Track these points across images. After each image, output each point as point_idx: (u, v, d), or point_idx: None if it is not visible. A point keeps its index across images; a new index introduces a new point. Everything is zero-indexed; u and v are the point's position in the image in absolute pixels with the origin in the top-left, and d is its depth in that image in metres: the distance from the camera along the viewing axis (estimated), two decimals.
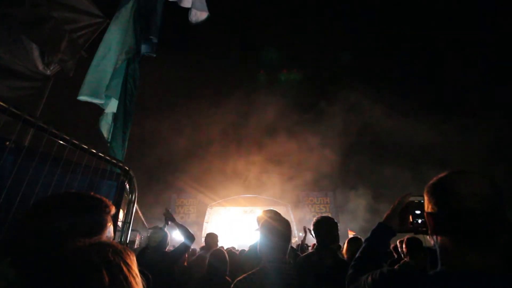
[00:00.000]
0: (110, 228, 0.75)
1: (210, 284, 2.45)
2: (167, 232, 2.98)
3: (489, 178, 0.72)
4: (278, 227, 1.49)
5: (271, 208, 1.87)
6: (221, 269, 2.51)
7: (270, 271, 1.38)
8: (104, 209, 0.74)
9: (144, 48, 3.10)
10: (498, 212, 0.68)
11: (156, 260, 2.61)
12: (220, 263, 2.51)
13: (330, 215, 2.34)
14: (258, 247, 1.53)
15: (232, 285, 1.39)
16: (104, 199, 0.77)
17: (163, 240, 2.87)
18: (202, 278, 2.56)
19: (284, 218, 1.56)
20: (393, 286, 0.75)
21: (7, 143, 1.31)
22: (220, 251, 2.64)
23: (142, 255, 2.83)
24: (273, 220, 1.54)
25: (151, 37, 3.06)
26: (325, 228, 2.14)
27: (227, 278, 2.54)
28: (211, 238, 3.90)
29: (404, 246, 2.66)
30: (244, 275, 1.43)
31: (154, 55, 3.19)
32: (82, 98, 2.66)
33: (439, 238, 0.75)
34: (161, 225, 3.12)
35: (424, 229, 0.91)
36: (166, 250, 2.91)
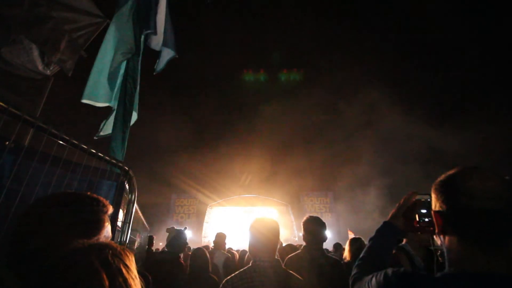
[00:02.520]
0: (108, 228, 0.74)
1: (193, 282, 2.55)
2: (186, 234, 3.11)
3: (501, 175, 0.69)
4: (265, 228, 1.57)
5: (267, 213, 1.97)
6: (203, 267, 2.63)
7: (259, 269, 1.45)
8: (102, 209, 0.74)
9: (167, 53, 3.25)
10: (511, 211, 0.64)
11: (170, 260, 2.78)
12: (201, 261, 2.64)
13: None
14: (248, 247, 1.60)
15: (221, 284, 1.46)
16: (102, 198, 0.76)
17: (182, 243, 3.00)
18: (187, 276, 2.68)
19: (272, 220, 1.64)
20: None
21: (7, 143, 1.31)
22: (200, 250, 2.78)
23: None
24: (261, 221, 1.62)
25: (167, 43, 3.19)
26: (315, 228, 2.18)
27: (211, 275, 2.67)
28: (219, 238, 3.98)
29: None
30: (234, 273, 1.50)
31: (177, 56, 3.35)
32: (84, 101, 2.72)
33: (447, 237, 0.73)
34: (176, 226, 3.27)
35: (431, 228, 0.88)
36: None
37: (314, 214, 2.35)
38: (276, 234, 1.57)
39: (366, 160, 15.56)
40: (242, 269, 1.50)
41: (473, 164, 0.75)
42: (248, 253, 3.64)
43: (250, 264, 1.51)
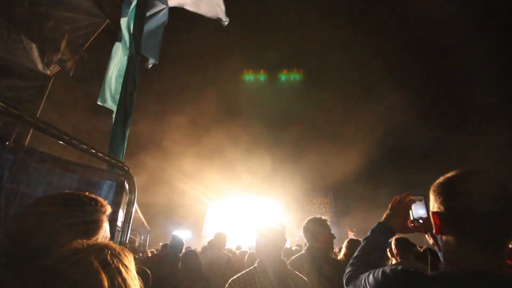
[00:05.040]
0: (106, 228, 0.75)
1: (185, 279, 2.93)
2: (178, 237, 3.78)
3: (498, 179, 0.71)
4: (271, 229, 1.62)
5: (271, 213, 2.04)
6: (194, 265, 3.06)
7: (262, 269, 1.50)
8: (100, 208, 0.74)
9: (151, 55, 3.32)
10: (506, 213, 0.67)
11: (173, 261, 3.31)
12: (192, 260, 3.08)
13: (330, 215, 2.39)
14: (254, 247, 1.65)
15: (227, 284, 1.51)
16: (99, 198, 0.77)
17: (179, 245, 3.67)
18: (179, 273, 3.06)
19: (278, 221, 1.69)
20: (395, 286, 0.74)
21: (7, 143, 1.31)
22: (191, 251, 3.25)
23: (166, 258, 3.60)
24: (267, 223, 1.67)
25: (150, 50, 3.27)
26: (315, 229, 2.18)
27: (203, 274, 3.07)
28: (218, 238, 3.99)
29: (393, 246, 2.64)
30: (240, 273, 1.55)
31: (157, 62, 3.42)
32: (100, 103, 2.94)
33: (443, 238, 0.74)
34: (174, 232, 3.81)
35: (423, 228, 0.90)
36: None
37: (314, 214, 2.35)
38: (281, 236, 1.62)
39: (366, 160, 15.57)
40: (248, 269, 1.56)
41: (472, 166, 0.76)
42: (248, 254, 3.70)
43: (255, 264, 1.56)
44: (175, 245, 3.68)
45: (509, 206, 0.67)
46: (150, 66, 3.46)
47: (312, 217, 2.28)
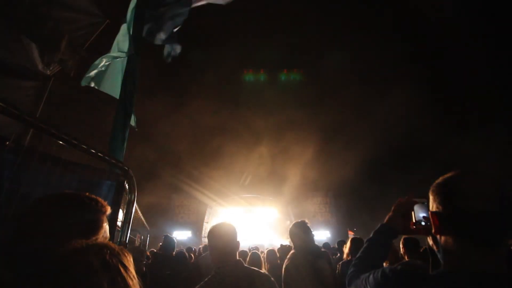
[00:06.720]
0: (106, 228, 0.75)
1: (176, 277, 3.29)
2: (170, 237, 3.97)
3: (495, 178, 0.71)
4: (221, 234, 1.60)
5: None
6: (182, 267, 3.48)
7: (222, 275, 1.46)
8: (100, 209, 0.74)
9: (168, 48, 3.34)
10: (505, 213, 0.67)
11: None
12: (180, 263, 3.52)
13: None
14: (210, 255, 1.62)
15: None
16: (100, 199, 0.77)
17: (171, 245, 3.85)
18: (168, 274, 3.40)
19: (228, 224, 1.68)
20: (395, 286, 0.75)
21: (7, 143, 1.31)
22: (180, 253, 3.66)
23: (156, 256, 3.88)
24: (217, 227, 1.65)
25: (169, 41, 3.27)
26: (302, 232, 2.23)
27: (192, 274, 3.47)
28: None
29: (401, 246, 2.66)
30: (199, 284, 1.49)
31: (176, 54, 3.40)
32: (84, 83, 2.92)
33: (443, 238, 0.75)
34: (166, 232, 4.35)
35: (426, 230, 0.90)
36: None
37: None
38: (234, 237, 1.60)
39: (367, 160, 15.56)
40: (207, 278, 1.48)
41: (472, 166, 0.76)
42: (249, 255, 3.76)
43: (213, 273, 1.50)
44: (167, 246, 3.77)
45: (506, 206, 0.67)
46: (169, 59, 3.47)
47: (298, 221, 2.34)
